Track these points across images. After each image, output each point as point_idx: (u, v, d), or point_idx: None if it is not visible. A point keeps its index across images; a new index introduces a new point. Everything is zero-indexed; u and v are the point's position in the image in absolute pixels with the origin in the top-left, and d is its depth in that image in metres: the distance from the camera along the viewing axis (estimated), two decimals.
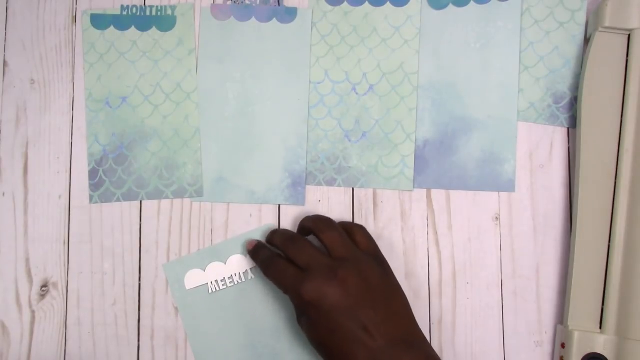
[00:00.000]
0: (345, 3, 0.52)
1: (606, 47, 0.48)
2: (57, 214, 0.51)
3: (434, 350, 0.41)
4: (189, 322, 0.49)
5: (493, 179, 0.50)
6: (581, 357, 0.45)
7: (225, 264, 0.50)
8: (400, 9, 0.52)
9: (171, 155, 0.51)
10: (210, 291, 0.49)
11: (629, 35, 0.47)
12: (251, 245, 0.48)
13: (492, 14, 0.51)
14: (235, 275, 0.50)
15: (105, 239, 0.51)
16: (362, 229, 0.47)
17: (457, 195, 0.51)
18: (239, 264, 0.50)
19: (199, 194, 0.51)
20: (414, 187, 0.51)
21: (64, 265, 0.51)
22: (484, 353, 0.49)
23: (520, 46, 0.51)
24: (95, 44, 0.52)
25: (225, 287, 0.49)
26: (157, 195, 0.51)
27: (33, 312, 0.50)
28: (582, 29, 0.51)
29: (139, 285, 0.51)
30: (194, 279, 0.50)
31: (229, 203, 0.51)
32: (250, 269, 0.50)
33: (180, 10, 0.53)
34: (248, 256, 0.49)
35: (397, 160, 0.51)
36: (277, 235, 0.47)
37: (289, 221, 0.51)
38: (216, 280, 0.49)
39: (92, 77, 0.52)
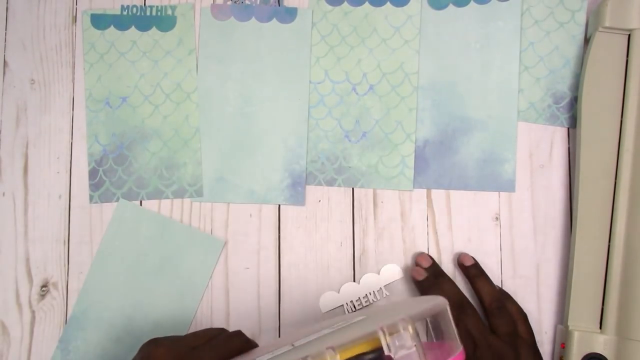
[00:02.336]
0: (345, 3, 0.52)
1: (606, 47, 0.48)
2: (57, 214, 0.51)
3: None
4: None
5: (493, 179, 0.50)
6: (581, 357, 0.45)
7: (359, 283, 0.50)
8: (400, 9, 0.52)
9: (171, 155, 0.51)
10: (346, 312, 0.49)
11: (629, 35, 0.47)
12: (420, 274, 0.48)
13: (492, 14, 0.51)
14: (370, 294, 0.49)
15: None
16: (525, 318, 0.47)
17: (457, 195, 0.51)
18: (372, 282, 0.50)
19: (199, 194, 0.51)
20: (414, 187, 0.51)
21: (64, 265, 0.51)
22: None
23: (520, 46, 0.51)
24: (95, 44, 0.52)
25: (360, 307, 0.49)
26: (157, 195, 0.51)
27: (33, 312, 0.50)
28: (582, 29, 0.51)
29: None
30: (329, 300, 0.50)
31: (229, 203, 0.51)
32: (384, 286, 0.49)
33: (180, 10, 0.53)
34: (380, 274, 0.50)
35: (397, 160, 0.51)
36: (446, 286, 0.47)
37: (289, 221, 0.51)
38: (351, 301, 0.49)
39: (92, 77, 0.52)
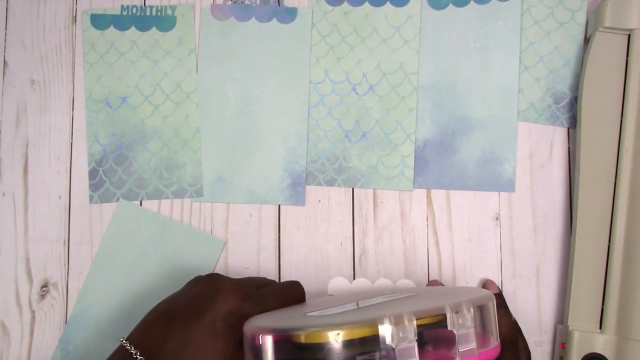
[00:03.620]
0: (345, 3, 0.52)
1: (606, 47, 0.48)
2: (57, 214, 0.51)
3: None
4: None
5: (493, 179, 0.50)
6: (581, 357, 0.45)
7: (373, 284, 0.50)
8: (400, 9, 0.52)
9: (171, 155, 0.51)
10: None
11: (629, 35, 0.47)
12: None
13: (492, 14, 0.51)
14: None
15: None
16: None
17: (457, 195, 0.51)
18: (386, 288, 0.49)
19: (199, 194, 0.51)
20: (413, 187, 0.51)
21: (64, 265, 0.51)
22: None
23: (520, 46, 0.51)
24: (95, 44, 0.52)
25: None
26: (157, 195, 0.51)
27: (33, 312, 0.50)
28: (582, 29, 0.51)
29: None
30: (339, 286, 0.49)
31: (229, 203, 0.51)
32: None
33: (180, 10, 0.53)
34: (395, 285, 0.50)
35: (397, 160, 0.51)
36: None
37: (289, 221, 0.51)
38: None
39: (92, 77, 0.52)
